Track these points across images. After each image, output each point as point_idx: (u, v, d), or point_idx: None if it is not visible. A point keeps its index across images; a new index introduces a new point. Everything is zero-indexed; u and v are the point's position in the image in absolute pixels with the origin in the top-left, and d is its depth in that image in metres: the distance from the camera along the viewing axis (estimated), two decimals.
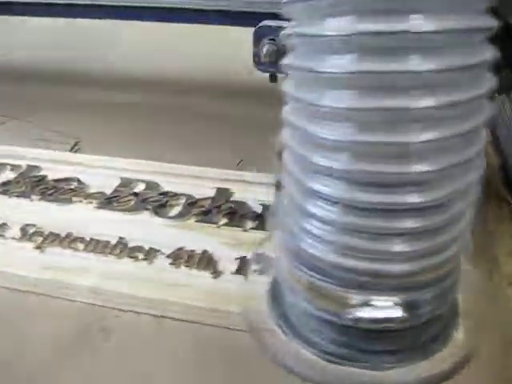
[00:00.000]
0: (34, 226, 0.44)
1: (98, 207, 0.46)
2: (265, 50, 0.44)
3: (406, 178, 0.19)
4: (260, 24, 0.44)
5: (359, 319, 0.20)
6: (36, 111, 0.64)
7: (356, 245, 0.20)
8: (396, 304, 0.20)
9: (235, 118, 0.63)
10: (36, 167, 0.52)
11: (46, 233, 0.43)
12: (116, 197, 0.47)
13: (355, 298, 0.20)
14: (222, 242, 0.42)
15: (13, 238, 0.42)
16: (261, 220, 0.45)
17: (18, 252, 0.41)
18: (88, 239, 0.42)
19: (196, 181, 0.50)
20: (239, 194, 0.48)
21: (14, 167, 0.52)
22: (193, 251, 0.41)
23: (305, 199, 0.21)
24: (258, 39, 0.44)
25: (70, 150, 0.56)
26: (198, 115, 0.64)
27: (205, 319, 0.36)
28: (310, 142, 0.21)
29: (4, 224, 0.44)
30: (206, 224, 0.45)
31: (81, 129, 0.60)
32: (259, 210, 0.46)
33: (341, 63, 0.19)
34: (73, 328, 0.34)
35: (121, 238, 0.42)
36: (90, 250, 0.41)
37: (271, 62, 0.44)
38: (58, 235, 0.43)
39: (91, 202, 0.47)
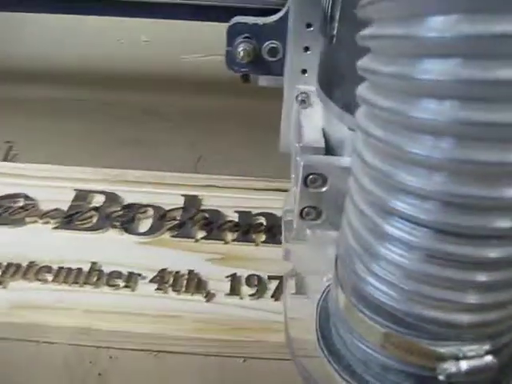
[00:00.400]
0: None
1: (58, 227, 0.41)
2: (241, 49, 0.41)
3: (490, 231, 0.18)
4: (233, 21, 0.40)
5: (455, 373, 0.19)
6: None
7: (430, 294, 0.19)
8: (487, 352, 0.19)
9: (185, 112, 0.59)
10: None
11: (4, 264, 0.38)
12: (76, 214, 0.43)
13: (442, 349, 0.19)
14: (207, 259, 0.40)
15: None
16: (242, 230, 0.43)
17: None
18: (56, 268, 0.37)
19: (160, 188, 0.47)
20: (209, 200, 0.46)
21: None
22: (178, 272, 0.38)
23: (378, 242, 0.19)
24: (232, 37, 0.41)
25: (5, 158, 0.50)
26: (146, 112, 0.60)
27: (206, 350, 0.34)
28: (390, 186, 0.19)
29: None
30: (183, 239, 0.42)
31: (11, 130, 0.53)
32: (235, 218, 0.44)
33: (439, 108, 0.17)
34: (65, 379, 0.31)
35: (93, 263, 0.38)
36: (61, 281, 0.37)
37: (248, 62, 0.41)
38: (18, 266, 0.37)
39: (48, 222, 0.42)
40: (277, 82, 0.43)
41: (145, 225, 0.43)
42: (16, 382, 0.30)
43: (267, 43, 0.40)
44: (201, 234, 0.42)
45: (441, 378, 0.19)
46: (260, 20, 0.41)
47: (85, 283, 0.37)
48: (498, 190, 0.17)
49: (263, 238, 0.42)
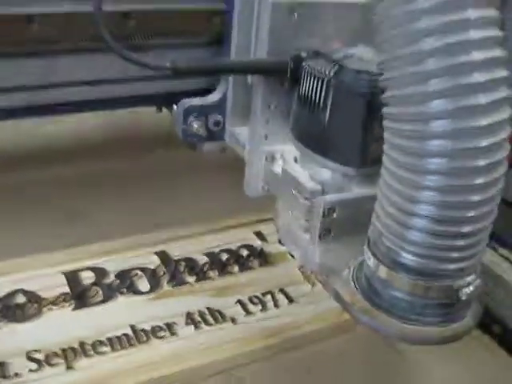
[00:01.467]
0: (35, 351, 0.43)
1: (75, 308, 0.47)
2: (195, 125, 0.53)
3: None
4: (185, 104, 0.52)
5: (468, 294, 0.35)
6: None
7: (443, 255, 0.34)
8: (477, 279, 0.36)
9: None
10: None
11: (59, 351, 0.43)
12: (83, 292, 0.49)
13: (455, 284, 0.35)
14: (211, 295, 0.51)
15: (31, 371, 0.41)
16: (219, 268, 0.54)
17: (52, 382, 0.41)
18: (105, 340, 0.45)
19: (131, 252, 0.55)
20: (179, 251, 0.56)
21: None
22: (200, 311, 0.48)
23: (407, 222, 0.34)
24: (186, 116, 0.52)
25: None
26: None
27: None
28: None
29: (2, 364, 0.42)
30: (181, 286, 0.52)
31: None
32: (206, 260, 0.55)
33: None
34: None
35: (131, 325, 0.46)
36: (119, 348, 0.44)
37: (199, 134, 0.53)
38: (73, 348, 0.43)
39: (64, 306, 0.47)
40: (217, 146, 0.56)
41: (144, 285, 0.51)
42: None
43: (212, 117, 0.53)
44: (193, 278, 0.53)
45: (463, 298, 0.36)
46: (205, 101, 0.53)
47: (140, 343, 0.45)
48: None
49: (236, 268, 0.55)
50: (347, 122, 0.40)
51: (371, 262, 0.38)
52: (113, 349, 0.44)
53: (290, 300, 0.50)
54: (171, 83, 0.54)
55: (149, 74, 0.50)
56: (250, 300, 0.50)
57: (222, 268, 0.54)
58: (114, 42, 0.41)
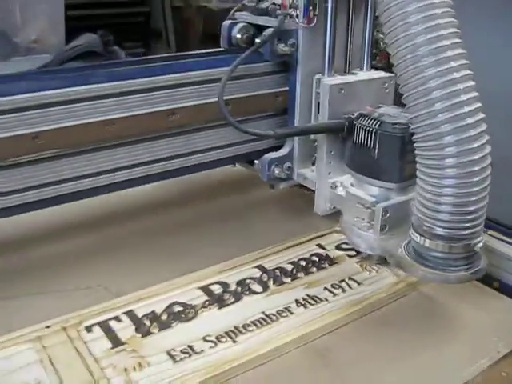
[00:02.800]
0: (208, 335, 0.65)
1: (220, 307, 0.70)
2: (276, 171, 0.79)
3: None
4: (268, 157, 0.78)
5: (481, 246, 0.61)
6: None
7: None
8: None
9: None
10: None
11: (223, 333, 0.65)
12: (219, 297, 0.72)
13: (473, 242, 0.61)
14: (305, 287, 0.74)
15: (210, 348, 0.63)
16: (303, 271, 0.78)
17: None
18: (250, 322, 0.67)
19: (239, 269, 0.77)
20: (271, 264, 0.80)
21: None
22: (303, 297, 0.72)
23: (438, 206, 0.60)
24: (269, 166, 0.79)
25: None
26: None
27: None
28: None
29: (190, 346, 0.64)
30: (283, 285, 0.74)
31: None
32: (291, 267, 0.79)
33: None
34: None
35: (262, 311, 0.69)
36: (261, 325, 0.66)
37: (279, 178, 0.80)
38: (231, 331, 0.65)
39: (211, 308, 0.69)
40: (288, 184, 0.83)
41: (258, 287, 0.74)
42: None
43: (285, 165, 0.80)
44: (287, 279, 0.77)
45: (478, 249, 0.61)
46: (279, 154, 0.80)
47: (271, 321, 0.68)
48: None
49: (314, 269, 0.79)
50: (390, 155, 0.67)
51: (417, 238, 0.64)
52: (257, 327, 0.67)
53: (358, 283, 0.74)
54: (251, 145, 0.80)
55: (240, 140, 0.77)
56: (333, 286, 0.73)
57: (305, 270, 0.77)
58: (234, 119, 0.68)
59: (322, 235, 0.83)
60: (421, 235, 0.62)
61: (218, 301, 0.69)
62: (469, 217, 0.59)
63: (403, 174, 0.67)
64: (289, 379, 0.59)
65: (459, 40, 0.57)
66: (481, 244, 0.62)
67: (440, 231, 0.60)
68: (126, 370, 0.59)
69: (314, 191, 0.78)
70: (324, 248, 0.80)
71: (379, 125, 0.66)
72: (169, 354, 0.61)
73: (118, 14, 3.12)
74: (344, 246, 0.80)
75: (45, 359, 0.60)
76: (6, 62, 1.93)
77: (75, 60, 1.60)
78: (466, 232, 0.60)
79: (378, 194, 0.69)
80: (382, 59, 0.77)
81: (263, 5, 0.74)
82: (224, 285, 0.72)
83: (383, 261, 0.73)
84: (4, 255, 0.76)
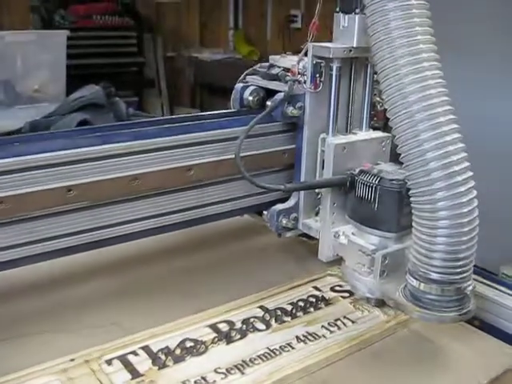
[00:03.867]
0: (218, 368, 0.73)
1: (228, 343, 0.79)
2: (284, 221, 0.89)
3: None
4: (277, 209, 0.88)
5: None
6: None
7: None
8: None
9: None
10: None
11: (232, 366, 0.74)
12: (226, 334, 0.80)
13: (465, 284, 0.69)
14: (304, 325, 0.82)
15: (221, 379, 0.72)
16: (302, 310, 0.87)
17: None
18: (256, 356, 0.76)
19: (243, 309, 0.86)
20: (272, 304, 0.88)
21: None
22: (303, 335, 0.80)
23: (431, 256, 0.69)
24: (278, 216, 0.88)
25: None
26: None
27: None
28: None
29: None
30: (284, 323, 0.83)
31: None
32: (291, 307, 0.87)
33: None
34: None
35: (267, 347, 0.78)
36: (266, 359, 0.75)
37: (286, 227, 0.89)
38: (240, 364, 0.74)
39: (220, 344, 0.78)
40: (294, 233, 0.92)
41: (261, 325, 0.82)
42: None
43: (292, 215, 0.90)
44: (287, 318, 0.85)
45: (468, 292, 0.70)
46: (287, 206, 0.89)
47: (275, 355, 0.77)
48: None
49: (312, 309, 0.87)
50: (388, 207, 0.77)
51: (413, 282, 0.73)
52: (262, 360, 0.75)
53: (352, 322, 0.82)
54: (260, 197, 0.90)
55: (250, 193, 0.87)
56: (329, 324, 0.81)
57: (303, 310, 0.85)
58: (249, 174, 0.78)
59: (318, 278, 0.92)
60: (416, 279, 0.71)
61: (226, 337, 0.77)
62: (459, 263, 0.68)
63: (400, 224, 0.77)
64: None
65: (451, 107, 0.68)
66: (470, 287, 0.71)
67: (434, 276, 0.69)
68: None
69: (314, 239, 0.88)
70: (320, 290, 0.89)
71: (379, 180, 0.76)
72: None
73: (115, 64, 3.26)
74: (337, 288, 0.89)
75: None
76: (10, 109, 2.04)
77: (78, 111, 1.71)
78: (458, 276, 0.69)
79: (377, 243, 0.78)
80: (379, 120, 0.88)
81: (274, 71, 0.85)
82: (230, 323, 0.80)
83: (381, 303, 0.82)
84: (28, 298, 0.84)
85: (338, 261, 0.87)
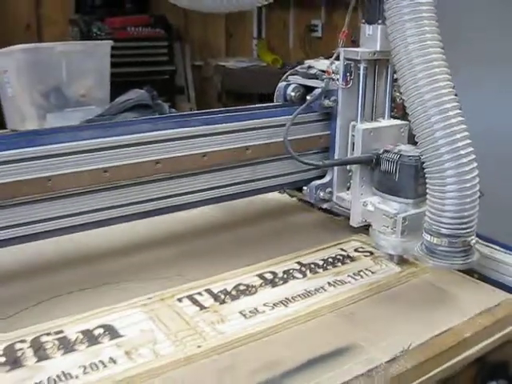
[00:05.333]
0: None
1: (272, 287, 0.98)
2: (321, 194, 1.08)
3: None
4: (315, 184, 1.08)
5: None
6: None
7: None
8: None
9: None
10: None
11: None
12: (272, 280, 1.00)
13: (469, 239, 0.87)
14: (333, 275, 1.02)
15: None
16: (331, 265, 1.06)
17: None
18: (297, 295, 0.95)
19: (288, 262, 1.05)
20: (308, 260, 1.07)
21: None
22: (333, 281, 1.00)
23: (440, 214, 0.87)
24: (316, 190, 1.08)
25: None
26: None
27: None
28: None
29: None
30: (318, 273, 1.02)
31: None
32: (322, 262, 1.07)
33: None
34: None
35: (304, 288, 0.97)
36: (307, 297, 0.95)
37: (323, 199, 1.09)
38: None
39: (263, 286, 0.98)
40: (330, 205, 1.11)
41: (300, 275, 1.02)
42: None
43: (327, 189, 1.09)
44: (320, 270, 1.05)
45: (472, 244, 0.89)
46: (323, 181, 1.09)
47: (311, 295, 0.96)
48: None
49: (339, 264, 1.07)
50: (407, 179, 0.96)
51: (428, 237, 0.92)
52: (302, 298, 0.89)
53: (372, 272, 0.99)
54: (301, 174, 1.10)
55: (293, 171, 1.07)
56: (354, 274, 0.97)
57: (332, 264, 1.01)
58: (297, 152, 0.97)
59: (343, 242, 1.10)
60: (430, 235, 0.90)
61: (271, 283, 0.95)
62: (464, 220, 0.85)
63: (417, 192, 0.95)
64: (327, 329, 0.84)
65: (455, 97, 0.87)
66: (474, 240, 0.90)
67: (444, 231, 0.87)
68: (212, 322, 0.84)
69: (340, 216, 1.07)
70: (345, 251, 1.07)
71: (399, 157, 0.95)
72: (241, 313, 0.87)
73: (148, 72, 3.50)
74: (360, 249, 1.07)
75: (153, 317, 0.84)
76: (60, 112, 2.27)
77: (127, 111, 1.93)
78: (463, 231, 0.87)
79: (398, 208, 0.97)
80: (398, 111, 1.07)
81: (312, 71, 1.05)
82: (274, 273, 0.98)
83: (401, 261, 1.01)
84: (114, 259, 1.04)
85: (361, 230, 1.07)
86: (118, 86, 2.66)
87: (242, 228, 1.16)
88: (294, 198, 1.31)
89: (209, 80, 4.48)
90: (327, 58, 1.10)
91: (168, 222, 1.08)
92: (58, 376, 0.73)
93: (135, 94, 1.99)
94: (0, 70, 2.38)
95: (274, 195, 1.28)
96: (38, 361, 0.76)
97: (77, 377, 0.73)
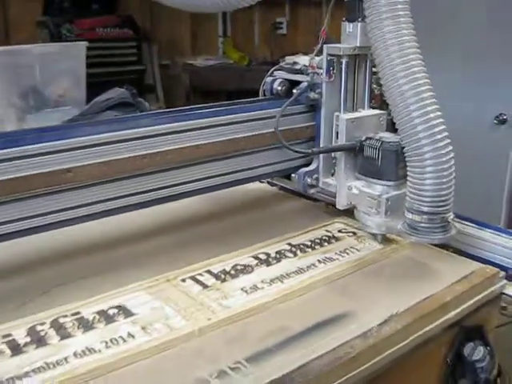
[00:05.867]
0: None
1: (268, 265, 1.07)
2: (309, 180, 1.17)
3: None
4: (303, 171, 1.17)
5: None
6: None
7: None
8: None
9: None
10: None
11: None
12: (266, 260, 1.08)
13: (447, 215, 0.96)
14: (322, 253, 1.11)
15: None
16: (319, 244, 1.15)
17: None
18: (287, 274, 1.04)
19: (277, 245, 1.13)
20: (297, 241, 1.16)
21: None
22: (323, 258, 1.09)
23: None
24: (304, 177, 1.17)
25: None
26: None
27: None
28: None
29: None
30: (307, 252, 1.11)
31: None
32: (309, 243, 1.16)
33: None
34: None
35: (297, 266, 1.06)
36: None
37: (310, 185, 1.18)
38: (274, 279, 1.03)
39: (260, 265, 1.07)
40: (315, 190, 1.20)
41: (290, 255, 1.12)
42: None
43: (314, 176, 1.18)
44: (309, 249, 1.14)
45: (450, 218, 0.98)
46: (310, 168, 1.18)
47: (302, 272, 1.05)
48: None
49: (326, 244, 1.16)
50: (389, 162, 1.05)
51: (409, 215, 1.01)
52: (296, 274, 0.97)
53: (357, 250, 1.07)
54: (289, 163, 1.19)
55: (282, 159, 1.16)
56: (340, 252, 1.04)
57: (320, 244, 1.08)
58: (286, 142, 1.06)
59: (328, 224, 1.18)
60: (412, 213, 0.99)
61: (266, 262, 1.03)
62: (442, 198, 0.95)
63: (398, 174, 1.05)
64: (322, 300, 0.92)
65: (431, 86, 0.96)
66: (451, 216, 1.00)
67: (424, 209, 0.97)
68: (217, 298, 0.91)
69: (318, 201, 1.19)
70: (330, 232, 1.15)
71: (381, 144, 1.05)
72: (242, 289, 0.94)
73: (119, 72, 3.54)
74: (343, 231, 1.16)
75: (161, 296, 0.89)
76: (38, 113, 2.31)
77: (109, 109, 1.98)
78: (441, 208, 0.97)
79: (381, 190, 1.06)
80: (376, 101, 1.17)
81: (297, 66, 1.14)
82: (267, 254, 1.06)
83: (384, 240, 1.10)
84: (116, 248, 1.11)
85: (342, 213, 1.16)
86: (90, 86, 2.71)
87: (230, 217, 1.24)
88: (275, 187, 1.40)
89: (176, 78, 4.54)
90: (304, 54, 1.19)
91: (157, 213, 1.15)
92: (82, 351, 0.80)
93: (116, 93, 2.05)
94: None
95: (255, 185, 1.36)
96: (61, 339, 0.82)
97: (100, 351, 0.80)
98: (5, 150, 0.86)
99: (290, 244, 1.10)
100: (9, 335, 0.82)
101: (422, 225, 0.97)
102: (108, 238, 1.13)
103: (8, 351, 0.79)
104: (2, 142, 0.86)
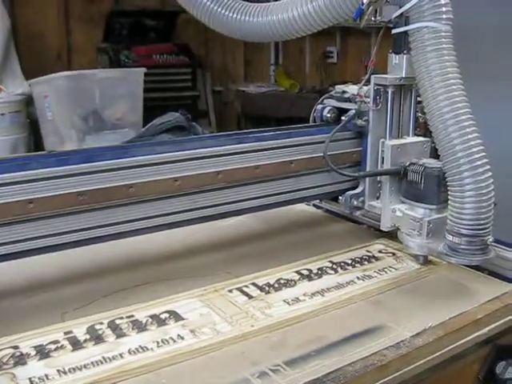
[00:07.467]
0: None
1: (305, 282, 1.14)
2: (355, 202, 1.24)
3: None
4: (349, 194, 1.24)
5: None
6: None
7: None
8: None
9: None
10: None
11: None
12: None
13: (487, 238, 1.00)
14: (361, 271, 1.17)
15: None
16: (359, 263, 1.21)
17: None
18: (324, 289, 1.11)
19: (314, 263, 1.21)
20: (340, 259, 1.23)
21: None
22: (362, 275, 1.15)
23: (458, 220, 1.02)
24: (350, 200, 1.24)
25: None
26: None
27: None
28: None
29: None
30: (347, 270, 1.16)
31: None
32: (351, 261, 1.22)
33: None
34: None
35: (337, 281, 1.12)
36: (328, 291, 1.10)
37: (356, 207, 1.25)
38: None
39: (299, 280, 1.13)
40: (362, 212, 1.27)
41: (331, 272, 1.18)
42: None
43: (360, 198, 1.25)
44: (350, 267, 1.20)
45: (490, 241, 1.03)
46: (356, 191, 1.25)
47: (338, 288, 1.11)
48: None
49: (366, 262, 1.22)
50: (431, 187, 1.11)
51: (450, 237, 1.07)
52: (336, 289, 1.03)
53: (395, 269, 1.11)
54: (337, 186, 1.26)
55: (331, 182, 1.23)
56: (379, 271, 1.10)
57: (360, 263, 1.14)
58: (335, 166, 1.14)
59: (369, 245, 1.24)
60: (452, 235, 1.05)
61: (308, 277, 1.09)
62: (482, 222, 1.01)
63: (440, 198, 1.10)
64: (359, 313, 0.97)
65: (472, 116, 1.02)
66: (490, 239, 1.05)
67: (464, 231, 1.02)
68: (260, 308, 0.98)
69: (362, 224, 1.26)
70: (371, 252, 1.21)
71: (424, 169, 1.11)
72: (284, 301, 0.99)
73: (174, 97, 3.70)
74: (383, 251, 1.21)
75: (209, 304, 0.96)
76: (98, 134, 2.46)
77: (164, 133, 2.11)
78: (481, 231, 1.02)
79: (423, 213, 1.12)
80: (421, 129, 1.24)
81: (346, 95, 1.22)
82: (309, 270, 1.12)
83: (426, 260, 1.16)
84: (172, 262, 1.19)
85: (383, 235, 1.22)
86: (146, 110, 2.86)
87: (278, 235, 1.31)
88: (320, 210, 1.47)
89: (228, 104, 4.68)
90: (354, 83, 1.27)
91: (210, 230, 1.24)
92: (136, 349, 0.88)
93: (172, 117, 2.18)
94: (41, 95, 2.58)
95: (302, 207, 1.44)
96: (117, 338, 0.91)
97: (152, 349, 0.88)
98: (87, 165, 0.97)
99: (331, 262, 1.16)
100: (70, 332, 0.92)
101: (462, 247, 1.01)
102: (164, 252, 1.22)
103: (69, 346, 0.88)
104: (85, 157, 0.98)
